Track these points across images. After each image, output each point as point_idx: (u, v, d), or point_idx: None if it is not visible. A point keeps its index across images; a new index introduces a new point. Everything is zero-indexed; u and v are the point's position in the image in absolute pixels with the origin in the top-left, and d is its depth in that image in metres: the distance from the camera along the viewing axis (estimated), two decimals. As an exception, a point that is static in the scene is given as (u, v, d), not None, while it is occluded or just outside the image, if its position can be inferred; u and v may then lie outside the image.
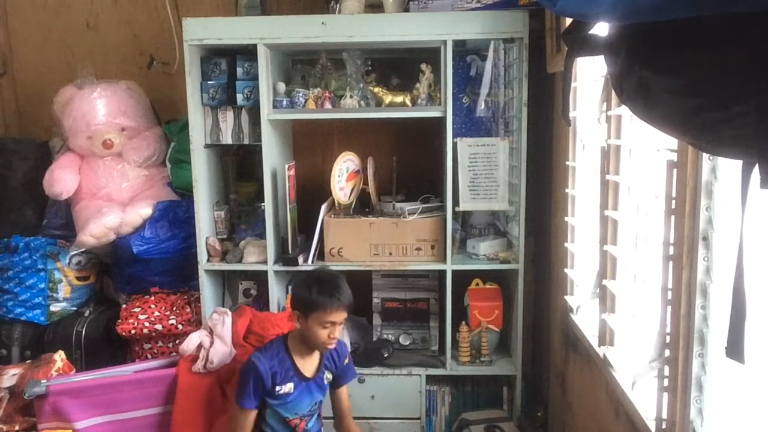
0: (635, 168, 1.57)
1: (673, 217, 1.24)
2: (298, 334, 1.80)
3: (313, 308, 1.69)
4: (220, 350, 1.91)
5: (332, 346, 1.77)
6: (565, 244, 2.10)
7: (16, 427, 1.99)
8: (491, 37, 2.27)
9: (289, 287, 2.53)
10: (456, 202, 2.32)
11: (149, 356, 2.52)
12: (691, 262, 1.18)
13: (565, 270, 2.10)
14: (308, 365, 1.82)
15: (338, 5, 2.30)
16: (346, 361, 1.90)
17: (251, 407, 1.75)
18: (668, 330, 1.27)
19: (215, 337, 1.94)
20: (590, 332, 1.83)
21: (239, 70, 2.38)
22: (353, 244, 2.38)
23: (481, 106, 2.44)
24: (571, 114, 1.98)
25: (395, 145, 2.71)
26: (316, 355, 1.83)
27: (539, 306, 2.68)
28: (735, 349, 0.69)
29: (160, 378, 1.97)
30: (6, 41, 2.93)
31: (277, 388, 1.75)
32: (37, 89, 2.92)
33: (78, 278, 2.64)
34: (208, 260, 2.43)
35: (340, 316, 1.72)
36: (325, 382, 1.85)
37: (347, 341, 2.51)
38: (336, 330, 1.73)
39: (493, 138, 2.37)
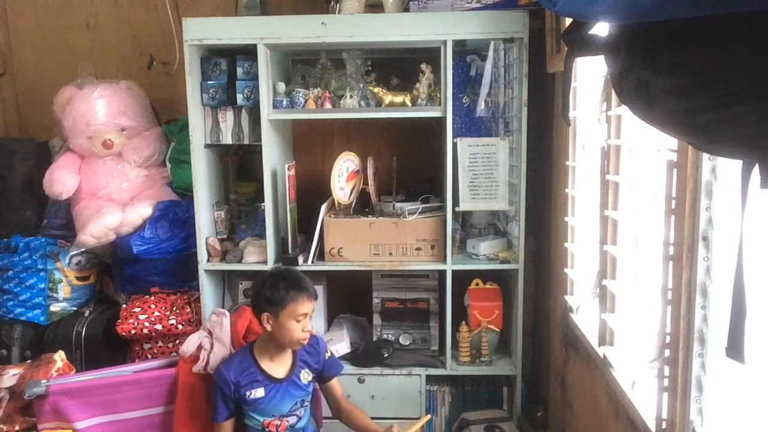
0: (635, 168, 1.57)
1: (673, 217, 1.24)
2: (266, 337, 1.82)
3: (285, 304, 1.73)
4: (220, 353, 1.90)
5: (306, 341, 1.79)
6: (565, 244, 2.10)
7: (16, 427, 1.99)
8: (491, 37, 2.27)
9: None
10: (456, 202, 2.32)
11: (149, 356, 2.52)
12: (691, 262, 1.18)
13: (565, 270, 2.10)
14: (279, 367, 1.83)
15: (338, 5, 2.30)
16: (328, 354, 1.92)
17: (220, 420, 1.81)
18: (668, 330, 1.27)
19: (214, 339, 1.94)
20: (590, 332, 1.83)
21: (239, 70, 2.38)
22: (353, 244, 2.37)
23: (481, 106, 2.44)
24: (571, 114, 1.98)
25: (395, 145, 2.71)
26: (288, 356, 1.85)
27: (539, 306, 2.68)
28: (735, 349, 0.69)
29: (160, 378, 1.97)
30: (6, 41, 2.93)
31: (248, 394, 1.78)
32: (37, 89, 2.92)
33: (78, 278, 2.64)
34: (208, 260, 2.43)
35: (311, 307, 1.77)
36: (303, 381, 1.85)
37: (347, 341, 2.51)
38: (308, 323, 1.77)
39: (493, 138, 2.37)
